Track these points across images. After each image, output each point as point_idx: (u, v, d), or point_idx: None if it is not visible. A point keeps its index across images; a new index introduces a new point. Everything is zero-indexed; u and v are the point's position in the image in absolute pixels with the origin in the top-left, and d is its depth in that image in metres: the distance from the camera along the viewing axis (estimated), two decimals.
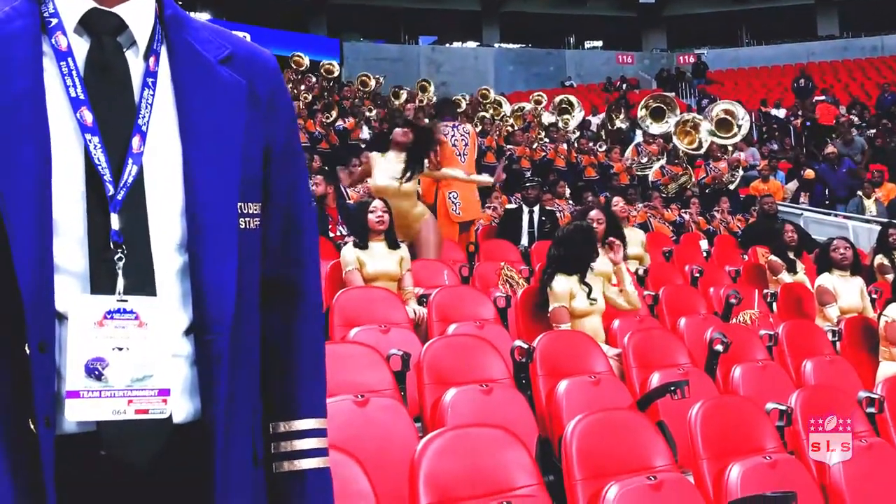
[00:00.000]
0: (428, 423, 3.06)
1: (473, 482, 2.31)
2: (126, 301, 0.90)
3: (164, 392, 0.90)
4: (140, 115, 0.93)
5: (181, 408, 0.93)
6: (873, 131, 14.02)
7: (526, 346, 3.49)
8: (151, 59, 0.96)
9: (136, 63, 0.96)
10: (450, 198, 6.24)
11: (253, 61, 1.05)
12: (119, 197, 0.90)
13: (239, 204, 0.98)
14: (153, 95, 0.95)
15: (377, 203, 4.68)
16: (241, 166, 0.98)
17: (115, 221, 0.90)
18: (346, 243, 5.10)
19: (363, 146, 8.71)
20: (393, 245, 4.64)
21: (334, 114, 10.04)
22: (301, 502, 1.05)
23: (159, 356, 0.91)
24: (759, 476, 2.63)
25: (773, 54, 23.15)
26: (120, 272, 0.89)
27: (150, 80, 0.95)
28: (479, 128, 9.63)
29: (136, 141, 0.92)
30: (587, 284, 4.20)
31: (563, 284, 4.14)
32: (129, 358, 0.89)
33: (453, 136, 6.38)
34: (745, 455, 2.76)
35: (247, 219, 0.99)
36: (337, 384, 2.92)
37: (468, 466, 2.33)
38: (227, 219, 0.96)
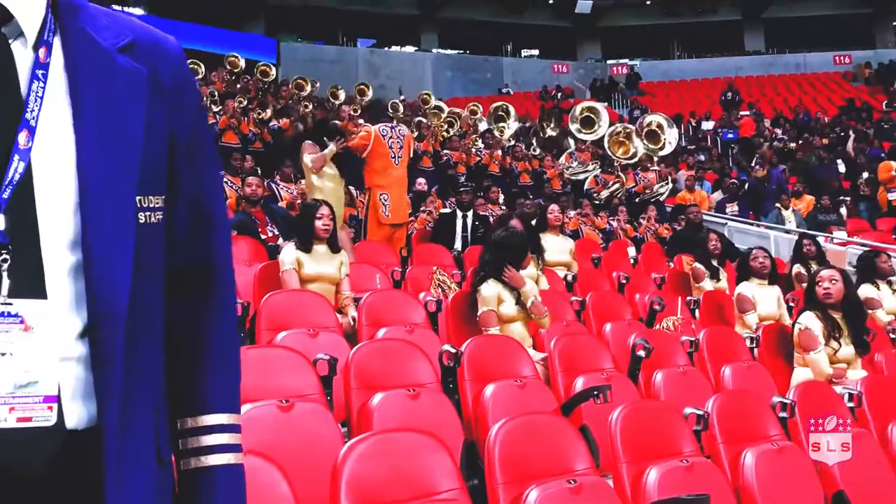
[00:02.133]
0: (354, 427, 3.06)
1: (396, 487, 2.31)
2: (10, 304, 0.86)
3: (51, 399, 0.87)
4: (28, 110, 0.88)
5: (75, 413, 0.89)
6: (794, 144, 14.57)
7: (454, 350, 3.51)
8: (42, 50, 0.91)
9: (23, 55, 0.91)
10: (380, 199, 6.25)
11: (155, 48, 1.01)
12: (4, 196, 0.86)
13: (138, 197, 0.94)
14: (43, 88, 0.90)
15: (325, 210, 4.64)
16: (141, 158, 0.94)
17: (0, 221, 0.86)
18: (279, 245, 5.06)
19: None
20: (335, 249, 4.63)
21: (269, 112, 9.93)
22: (210, 500, 1.02)
23: (46, 361, 0.87)
24: (676, 479, 2.71)
25: (702, 68, 23.86)
26: (4, 274, 0.86)
27: (39, 73, 0.90)
28: (416, 132, 9.65)
29: (22, 136, 0.88)
30: (516, 290, 4.26)
31: (491, 289, 4.20)
32: (12, 364, 0.85)
33: (390, 137, 6.38)
34: (663, 459, 2.83)
35: (147, 213, 0.96)
36: (261, 389, 2.89)
37: (391, 471, 2.33)
38: (124, 213, 0.93)
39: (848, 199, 11.10)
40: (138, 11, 18.93)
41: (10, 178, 0.87)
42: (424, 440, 2.47)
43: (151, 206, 0.97)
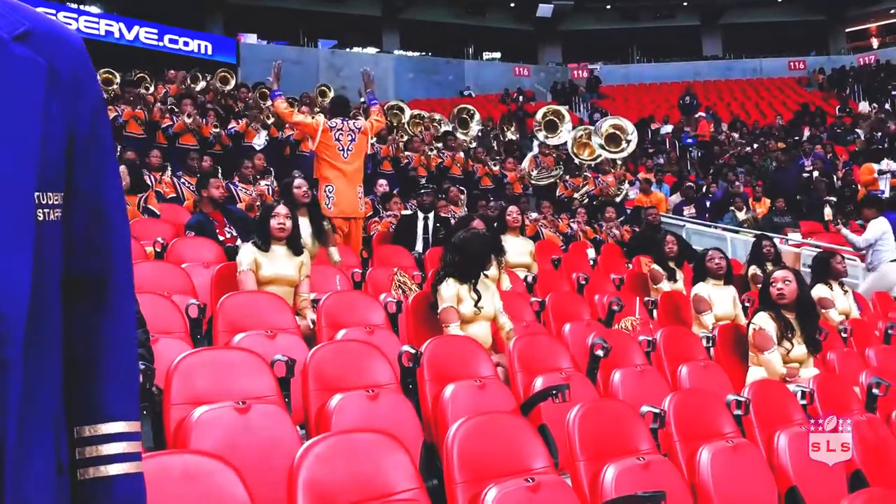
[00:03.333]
0: (312, 429, 3.04)
1: (354, 488, 2.29)
2: None
3: None
4: None
5: None
6: (749, 149, 14.84)
7: (414, 350, 3.51)
8: None
9: None
10: (325, 191, 6.21)
11: (55, 39, 0.96)
12: None
13: (36, 193, 0.90)
14: None
15: (281, 209, 4.60)
16: (39, 152, 0.90)
17: None
18: (237, 245, 5.01)
19: (258, 149, 8.55)
20: (295, 251, 4.58)
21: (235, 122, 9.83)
22: None
23: None
24: (633, 477, 2.74)
25: (661, 72, 24.22)
26: None
27: None
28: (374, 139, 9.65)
29: None
30: (477, 292, 4.27)
31: (451, 289, 4.20)
32: None
33: (339, 129, 6.31)
34: (620, 457, 2.85)
35: (46, 210, 0.92)
36: (217, 391, 2.86)
37: (349, 472, 2.32)
38: (21, 212, 0.88)
39: (834, 199, 11.30)
40: (94, 10, 18.60)
41: None
42: (382, 440, 2.46)
43: (50, 202, 0.93)
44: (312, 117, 6.65)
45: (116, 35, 16.60)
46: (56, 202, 0.94)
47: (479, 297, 4.27)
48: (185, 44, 17.95)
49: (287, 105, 6.78)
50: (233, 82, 11.85)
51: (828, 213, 10.69)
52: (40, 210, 0.91)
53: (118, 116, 8.36)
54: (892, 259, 7.66)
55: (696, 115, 17.05)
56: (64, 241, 0.96)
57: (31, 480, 0.90)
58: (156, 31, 17.56)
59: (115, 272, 1.03)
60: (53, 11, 15.30)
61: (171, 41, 17.76)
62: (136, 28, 17.15)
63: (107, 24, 16.65)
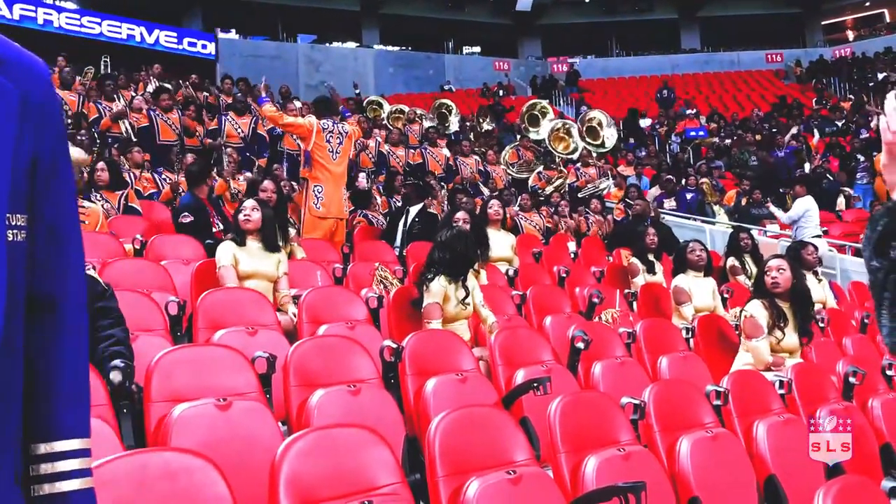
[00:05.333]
0: (294, 425, 3.03)
1: (335, 483, 2.30)
2: None
3: None
4: None
5: None
6: (729, 141, 14.94)
7: (395, 345, 3.51)
8: None
9: None
10: (314, 191, 6.23)
11: (24, 68, 1.00)
12: None
13: (7, 215, 0.94)
14: None
15: (247, 202, 4.63)
16: (11, 176, 0.93)
17: None
18: (215, 241, 5.00)
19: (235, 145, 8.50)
20: (270, 247, 4.58)
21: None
22: None
23: None
24: (613, 468, 2.76)
25: (640, 65, 24.30)
26: None
27: None
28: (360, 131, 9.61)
29: None
30: (466, 288, 4.29)
31: (440, 286, 4.22)
32: None
33: (330, 132, 6.35)
34: (601, 448, 2.87)
35: (14, 231, 0.95)
36: (198, 388, 2.85)
37: (330, 467, 2.32)
38: None
39: (849, 189, 11.41)
40: (70, 6, 18.37)
41: None
42: (364, 435, 2.46)
43: (17, 224, 0.96)
44: (304, 117, 6.63)
45: (95, 31, 16.40)
46: (22, 224, 0.97)
47: (467, 294, 4.29)
48: (163, 39, 17.76)
49: (275, 108, 6.78)
50: (204, 94, 11.67)
51: (840, 202, 10.82)
52: (9, 231, 0.94)
53: (100, 117, 8.27)
54: (814, 235, 8.36)
55: (687, 113, 17.08)
56: (26, 262, 0.99)
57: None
58: (134, 26, 17.35)
59: (69, 294, 1.06)
60: (33, 8, 15.12)
61: (147, 38, 17.57)
62: (113, 24, 16.94)
63: (90, 20, 16.44)
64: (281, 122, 6.54)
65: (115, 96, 8.82)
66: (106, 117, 8.17)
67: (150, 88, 10.27)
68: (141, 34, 17.34)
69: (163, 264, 4.67)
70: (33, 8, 15.23)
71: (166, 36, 17.72)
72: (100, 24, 16.50)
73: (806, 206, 8.66)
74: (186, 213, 5.54)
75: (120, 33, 16.87)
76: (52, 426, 1.04)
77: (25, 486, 1.01)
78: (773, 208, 9.30)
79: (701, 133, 15.33)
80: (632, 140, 15.86)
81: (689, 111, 17.44)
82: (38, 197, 1.01)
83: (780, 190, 11.26)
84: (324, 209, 6.25)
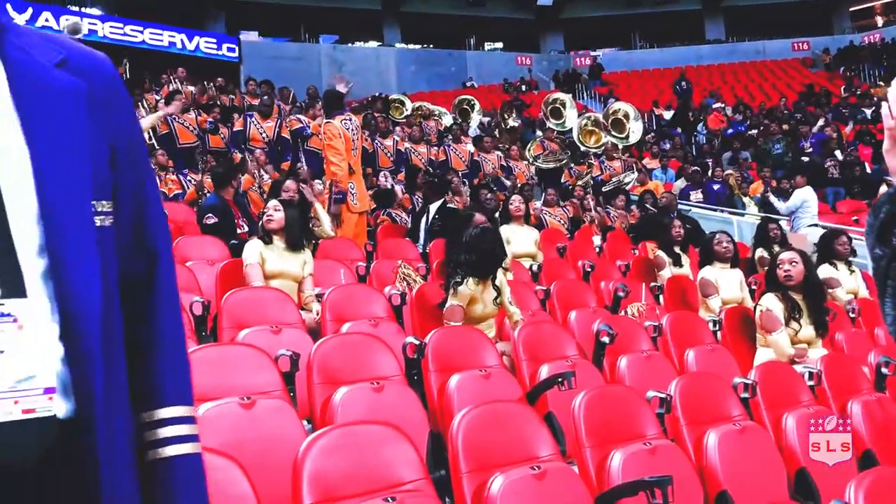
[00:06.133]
0: (318, 423, 3.04)
1: (359, 479, 2.30)
2: (3, 304, 0.91)
3: (50, 390, 0.93)
4: None
5: (62, 406, 0.95)
6: (755, 131, 14.75)
7: (418, 342, 3.50)
8: None
9: None
10: (349, 188, 6.30)
11: (88, 64, 1.07)
12: None
13: (93, 202, 1.00)
14: None
15: (270, 202, 4.69)
16: (91, 165, 1.00)
17: None
18: (240, 241, 5.03)
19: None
20: (293, 247, 4.59)
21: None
22: (169, 488, 1.07)
23: (40, 356, 0.93)
24: (640, 462, 2.73)
25: (663, 57, 24.04)
26: None
27: None
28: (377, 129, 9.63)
29: None
30: (496, 287, 4.23)
31: (468, 290, 4.12)
32: (11, 359, 0.90)
33: (349, 129, 6.39)
34: (626, 442, 2.85)
35: (101, 217, 1.01)
36: (222, 387, 2.86)
37: (353, 464, 2.32)
38: (84, 219, 0.98)
39: (892, 178, 11.23)
40: (95, 12, 18.59)
41: None
42: (387, 432, 2.46)
43: (104, 210, 1.02)
44: (330, 132, 6.43)
45: (118, 36, 16.59)
46: (107, 210, 1.04)
47: (498, 294, 4.22)
48: (186, 43, 17.92)
49: (333, 172, 6.41)
50: (230, 96, 11.76)
51: (882, 191, 10.65)
52: (97, 217, 1.01)
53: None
54: (810, 224, 8.56)
55: (714, 106, 16.86)
56: (115, 245, 1.05)
57: (120, 458, 1.00)
58: (158, 31, 17.53)
59: (160, 270, 1.13)
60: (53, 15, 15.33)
61: (171, 40, 17.73)
62: (135, 28, 17.13)
63: (112, 26, 16.66)
64: (333, 162, 6.32)
65: (140, 103, 8.91)
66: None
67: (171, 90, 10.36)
68: (165, 38, 17.53)
69: (188, 265, 4.71)
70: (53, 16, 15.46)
71: (188, 39, 17.90)
72: (122, 29, 16.69)
73: (804, 197, 8.82)
74: (211, 215, 5.58)
75: (143, 38, 17.05)
76: (156, 395, 1.09)
77: (135, 454, 1.06)
78: (772, 198, 9.45)
79: (730, 131, 15.09)
80: (679, 129, 15.72)
81: (716, 104, 17.22)
82: (120, 183, 1.07)
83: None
84: (359, 204, 6.36)
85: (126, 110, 1.11)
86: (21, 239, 0.93)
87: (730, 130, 15.00)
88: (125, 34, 16.80)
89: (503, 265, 4.42)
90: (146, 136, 8.14)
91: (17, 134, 0.96)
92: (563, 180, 10.16)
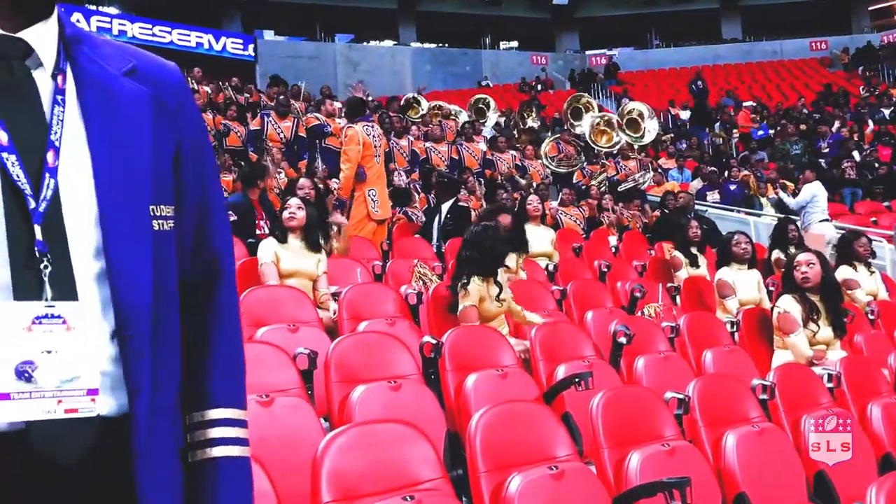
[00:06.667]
0: (335, 421, 3.04)
1: (377, 478, 2.30)
2: (53, 307, 0.94)
3: (93, 391, 0.95)
4: (52, 132, 0.98)
5: (107, 405, 0.97)
6: (772, 131, 14.66)
7: (435, 341, 3.50)
8: (59, 78, 1.01)
9: (44, 82, 1.00)
10: (369, 195, 6.31)
11: (157, 73, 1.11)
12: (41, 209, 0.95)
13: (151, 207, 1.03)
14: (63, 111, 1.00)
15: (292, 200, 4.69)
16: (151, 171, 1.03)
17: (38, 232, 0.94)
18: (257, 240, 5.05)
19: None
20: (312, 246, 4.61)
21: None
22: (214, 489, 1.08)
23: (86, 357, 0.95)
24: (658, 463, 2.72)
25: (680, 56, 23.91)
26: (46, 280, 0.94)
27: (59, 98, 1.00)
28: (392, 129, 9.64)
29: (50, 156, 0.97)
30: (498, 283, 4.24)
31: (475, 287, 4.14)
32: (57, 360, 0.93)
33: (372, 136, 6.44)
34: (644, 443, 2.84)
35: (160, 220, 1.04)
36: None
37: (372, 462, 2.32)
38: (140, 224, 1.01)
39: None
40: (113, 11, 18.72)
41: (44, 194, 0.96)
42: (405, 431, 2.46)
43: (163, 214, 1.05)
44: (349, 138, 6.44)
45: (133, 35, 16.70)
46: (168, 214, 1.06)
47: (501, 289, 4.24)
48: (203, 42, 18.02)
49: (343, 171, 6.52)
50: (245, 96, 11.82)
51: None
52: (155, 221, 1.04)
53: None
54: (821, 220, 8.53)
55: (743, 105, 16.74)
56: (177, 248, 1.08)
57: (160, 457, 1.02)
58: (170, 29, 17.63)
59: (221, 274, 1.15)
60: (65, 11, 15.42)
61: (188, 41, 17.83)
62: (152, 27, 17.24)
63: (119, 24, 16.77)
64: (349, 168, 6.36)
65: None
66: None
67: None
68: (179, 36, 17.63)
69: None
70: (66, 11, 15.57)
71: (204, 38, 18.00)
72: (151, 30, 16.81)
73: (814, 192, 8.74)
74: (231, 212, 5.59)
75: (157, 36, 17.15)
76: (207, 396, 1.11)
77: (183, 453, 1.08)
78: (781, 194, 9.41)
79: (760, 133, 14.95)
80: (701, 126, 15.66)
81: (746, 102, 17.06)
82: (185, 185, 1.10)
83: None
84: (380, 211, 6.39)
85: (193, 118, 1.14)
86: (77, 242, 0.97)
87: (760, 132, 14.85)
88: (154, 35, 16.93)
89: (505, 262, 4.42)
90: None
91: (80, 139, 1.00)
92: (575, 180, 10.12)
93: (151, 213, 1.03)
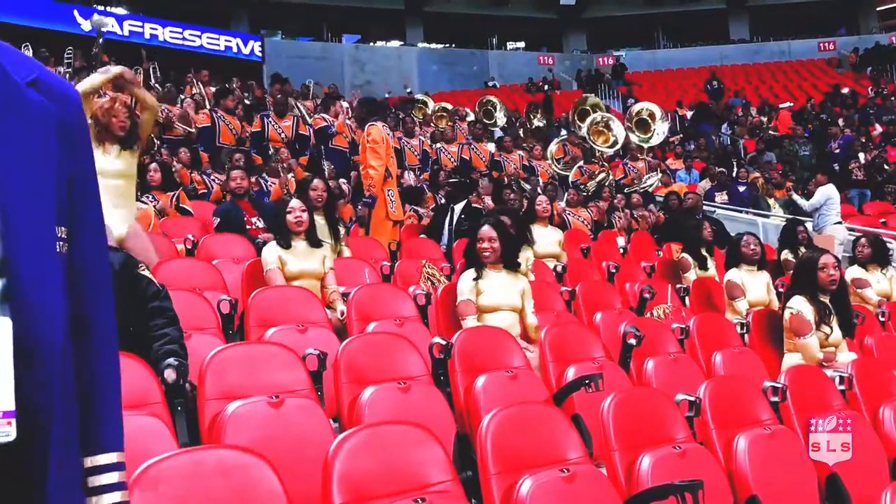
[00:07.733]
0: (345, 422, 3.04)
1: (388, 480, 2.29)
2: None
3: (9, 414, 0.89)
4: None
5: (15, 431, 0.91)
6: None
7: (444, 342, 3.49)
8: None
9: None
10: (388, 196, 6.31)
11: (59, 91, 1.05)
12: None
13: (57, 227, 0.97)
14: None
15: (295, 203, 4.65)
16: (56, 189, 0.97)
17: None
18: (264, 241, 5.03)
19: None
20: (315, 244, 4.60)
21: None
22: None
23: (3, 378, 0.89)
24: (669, 465, 2.70)
25: (687, 57, 23.87)
26: None
27: None
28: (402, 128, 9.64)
29: None
30: (496, 279, 4.22)
31: (467, 281, 4.16)
32: None
33: (388, 136, 6.46)
34: (655, 445, 2.82)
35: (60, 242, 0.98)
36: (251, 385, 2.87)
37: (382, 464, 2.31)
38: (47, 242, 0.95)
39: None
40: (121, 11, 18.76)
41: None
42: (415, 433, 2.45)
43: (62, 236, 0.99)
44: (378, 142, 6.39)
45: (144, 35, 16.74)
46: (64, 237, 1.00)
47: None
48: (211, 42, 18.04)
49: (368, 173, 6.46)
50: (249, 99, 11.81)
51: None
52: (58, 243, 0.98)
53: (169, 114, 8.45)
54: (836, 222, 8.56)
55: (780, 106, 16.62)
56: (65, 275, 1.01)
57: (71, 487, 0.99)
58: (179, 30, 17.66)
59: (100, 305, 1.09)
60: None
61: (195, 42, 17.86)
62: (159, 28, 17.28)
63: (131, 25, 16.81)
64: (373, 168, 6.32)
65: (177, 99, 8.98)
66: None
67: (195, 91, 10.41)
68: (186, 37, 17.65)
69: (214, 263, 4.73)
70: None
71: (212, 38, 18.02)
72: (152, 29, 16.85)
73: (828, 194, 8.73)
74: (216, 219, 5.59)
75: (165, 36, 17.18)
76: (93, 441, 1.07)
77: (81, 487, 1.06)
78: (794, 196, 9.40)
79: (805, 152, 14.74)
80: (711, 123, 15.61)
81: (784, 104, 16.97)
82: (82, 210, 1.06)
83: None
84: (397, 212, 6.40)
85: (87, 143, 1.09)
86: None
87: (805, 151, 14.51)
88: (165, 34, 16.98)
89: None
90: (182, 129, 8.20)
91: None
92: (572, 178, 10.07)
93: (57, 234, 0.96)
